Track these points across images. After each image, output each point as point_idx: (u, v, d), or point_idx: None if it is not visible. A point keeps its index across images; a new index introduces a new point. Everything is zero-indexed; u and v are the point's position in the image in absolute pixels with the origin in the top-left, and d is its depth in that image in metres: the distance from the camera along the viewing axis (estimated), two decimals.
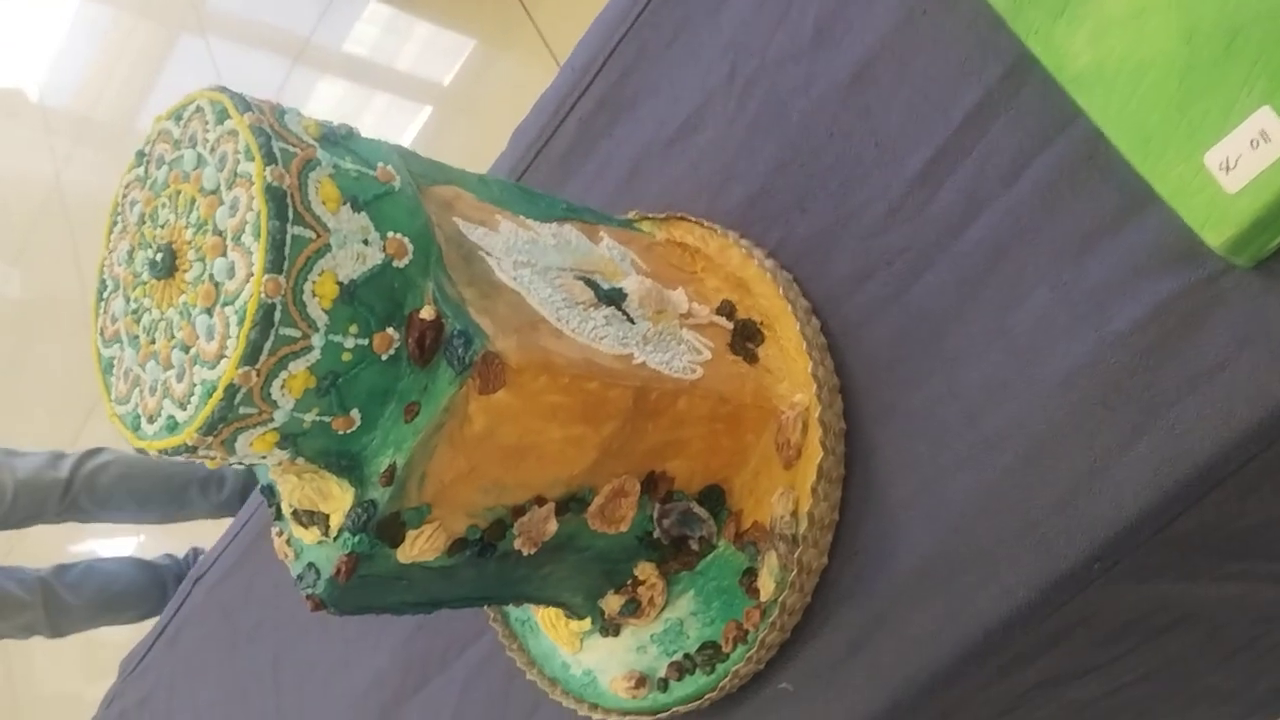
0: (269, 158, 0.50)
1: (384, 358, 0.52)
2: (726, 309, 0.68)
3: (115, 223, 0.58)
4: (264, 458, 0.54)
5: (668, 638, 0.68)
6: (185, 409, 0.51)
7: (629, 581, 0.68)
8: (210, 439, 0.50)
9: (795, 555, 0.62)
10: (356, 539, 0.55)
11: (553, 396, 0.55)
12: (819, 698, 0.62)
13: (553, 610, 0.72)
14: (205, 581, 1.01)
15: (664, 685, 0.67)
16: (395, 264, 0.52)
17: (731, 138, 0.73)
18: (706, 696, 0.65)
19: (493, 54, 2.22)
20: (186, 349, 0.51)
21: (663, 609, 0.68)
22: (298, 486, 0.56)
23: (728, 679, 0.64)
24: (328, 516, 0.56)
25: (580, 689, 0.71)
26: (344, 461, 0.55)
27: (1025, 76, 0.59)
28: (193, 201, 0.53)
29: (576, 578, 0.67)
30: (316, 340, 0.50)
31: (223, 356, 0.49)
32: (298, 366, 0.50)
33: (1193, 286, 0.52)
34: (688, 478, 0.64)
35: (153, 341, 0.53)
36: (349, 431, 0.54)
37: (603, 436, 0.59)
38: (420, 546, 0.57)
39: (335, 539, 0.56)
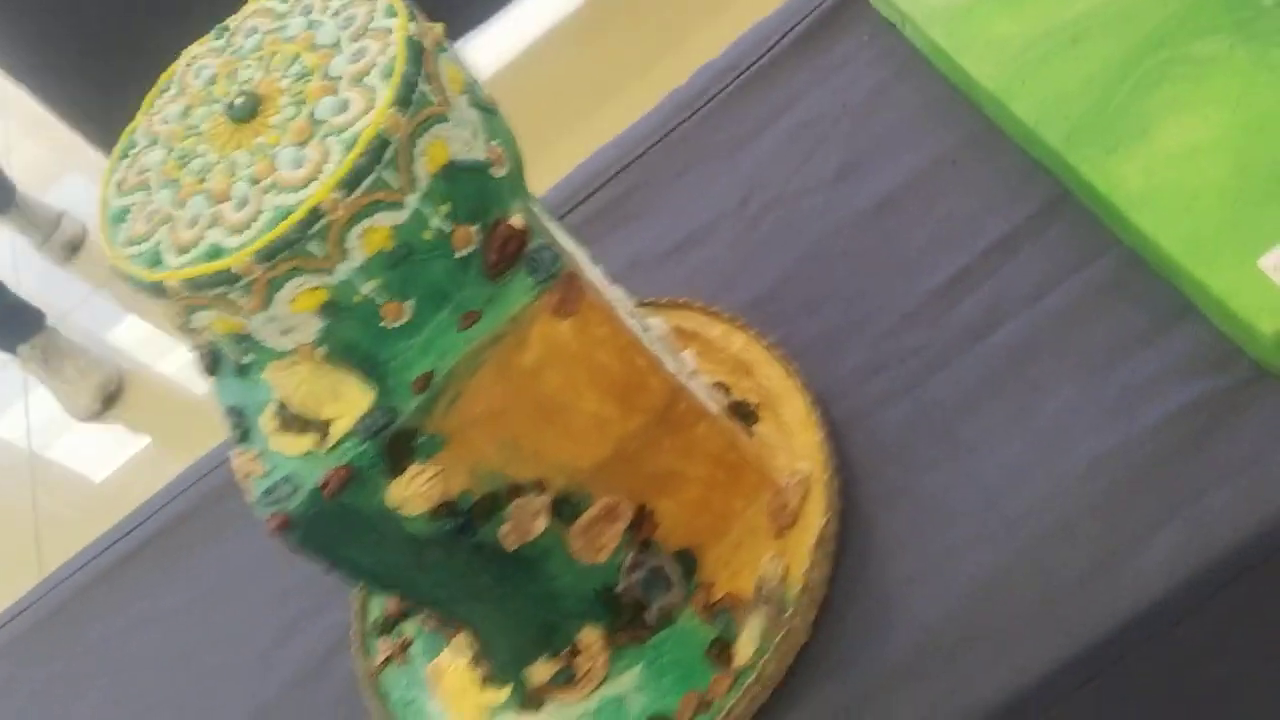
0: (412, 18, 0.48)
1: (458, 256, 0.49)
2: (721, 389, 0.67)
3: (164, 90, 0.54)
4: (285, 332, 0.48)
5: (602, 716, 0.61)
6: (241, 234, 0.45)
7: (567, 649, 0.62)
8: (260, 270, 0.45)
9: (783, 617, 0.58)
10: (363, 447, 0.48)
11: (605, 355, 0.52)
12: None
13: (463, 676, 0.64)
14: None
15: None
16: (493, 170, 0.50)
17: (737, 251, 0.74)
18: None
19: None
20: (257, 181, 0.46)
21: (600, 685, 0.61)
22: (308, 379, 0.49)
23: None
24: (328, 424, 0.49)
25: None
26: (367, 367, 0.49)
27: (1055, 216, 0.64)
28: (295, 57, 0.50)
29: (520, 622, 0.60)
30: (411, 201, 0.47)
31: (314, 180, 0.45)
32: (383, 221, 0.46)
33: (1226, 390, 0.55)
34: (669, 530, 0.60)
35: (202, 181, 0.48)
36: (394, 325, 0.49)
37: (626, 430, 0.55)
38: (415, 487, 0.50)
39: (332, 449, 0.49)
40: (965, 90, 0.70)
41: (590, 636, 0.62)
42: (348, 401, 0.49)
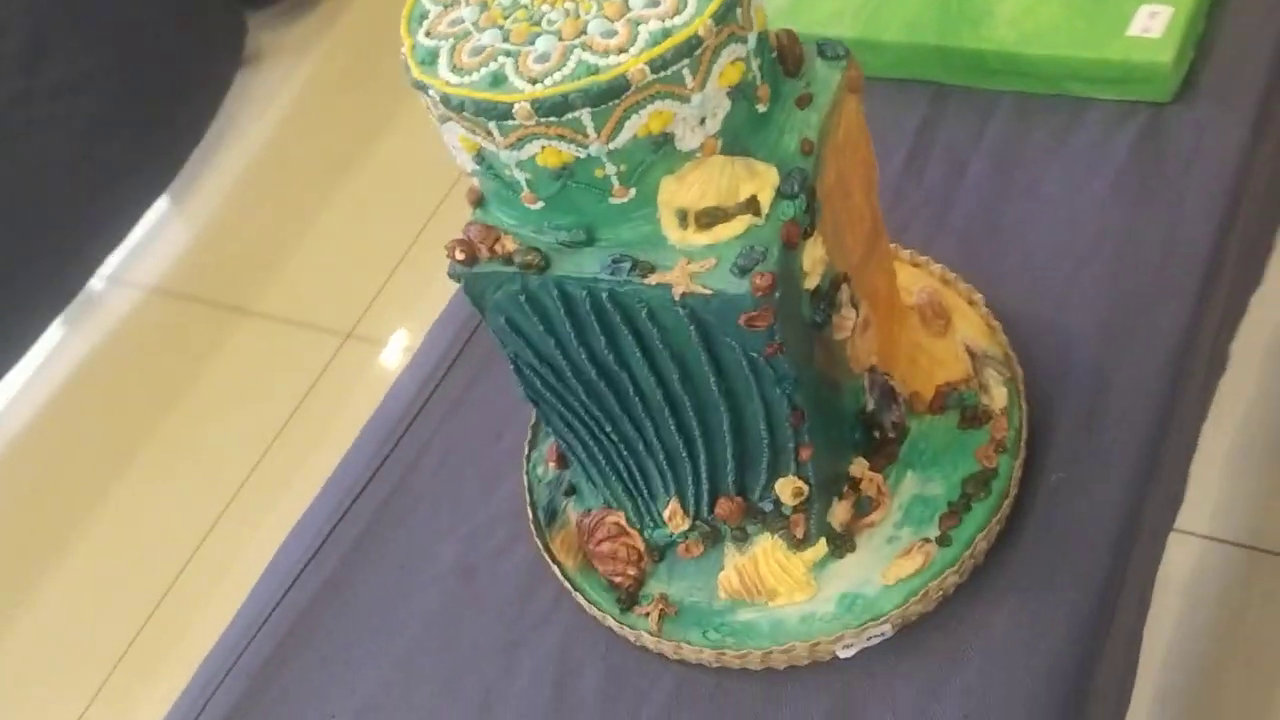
0: None
1: (772, 55, 0.57)
2: None
3: None
4: (702, 121, 0.52)
5: (913, 515, 0.66)
6: (676, 16, 0.50)
7: (845, 487, 0.66)
8: (714, 33, 0.50)
9: (1011, 364, 0.69)
10: (796, 201, 0.54)
11: (864, 143, 0.62)
12: (1090, 471, 0.65)
13: (771, 560, 0.65)
14: None
15: (945, 539, 0.64)
16: None
17: None
18: (995, 519, 0.63)
19: None
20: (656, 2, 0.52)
21: (891, 500, 0.66)
22: (723, 167, 0.53)
23: (1010, 487, 0.64)
24: (751, 201, 0.54)
25: (838, 621, 0.63)
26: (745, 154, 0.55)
27: (945, 102, 0.86)
28: None
29: (830, 455, 0.63)
30: None
31: None
32: (756, 2, 0.54)
33: (1148, 123, 0.79)
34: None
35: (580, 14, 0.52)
36: (761, 110, 0.55)
37: (868, 228, 0.64)
38: (816, 252, 0.56)
39: (770, 213, 0.53)
40: None
41: (860, 468, 0.67)
42: (762, 176, 0.54)
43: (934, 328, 0.72)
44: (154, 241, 2.09)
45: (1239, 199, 0.76)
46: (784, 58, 0.59)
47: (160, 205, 2.13)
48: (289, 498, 0.86)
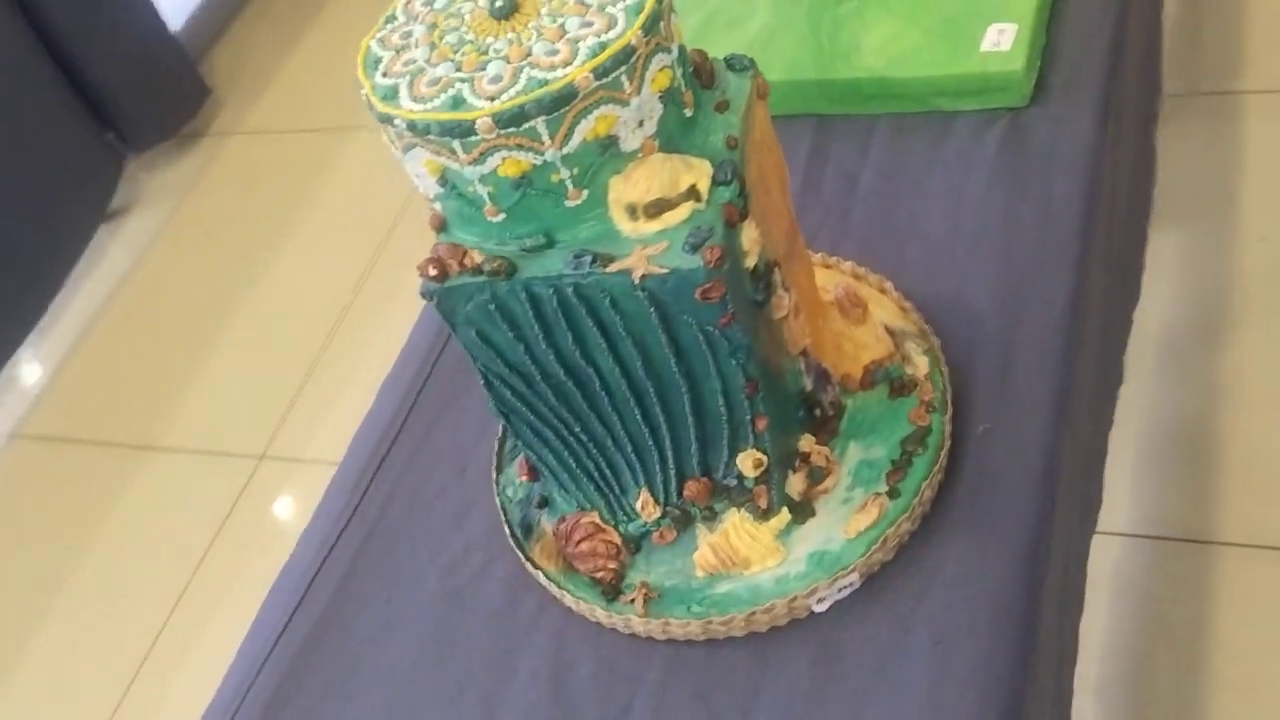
0: None
1: (690, 69, 0.65)
2: None
3: None
4: (640, 124, 0.59)
5: (862, 477, 0.72)
6: (609, 32, 0.57)
7: (797, 461, 0.72)
8: (643, 42, 0.57)
9: (927, 336, 0.76)
10: (731, 186, 0.60)
11: (775, 146, 0.70)
12: (1010, 419, 0.73)
13: (741, 532, 0.70)
14: None
15: (894, 492, 0.70)
16: None
17: None
18: (936, 469, 0.70)
19: None
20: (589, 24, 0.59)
21: (839, 467, 0.72)
22: (663, 162, 0.60)
23: (944, 440, 0.71)
24: (691, 190, 0.60)
25: (809, 577, 0.68)
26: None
27: (830, 129, 0.95)
28: None
29: (781, 433, 0.69)
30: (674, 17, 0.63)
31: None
32: (673, 19, 0.61)
33: (1009, 125, 0.89)
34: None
35: (517, 41, 0.59)
36: (688, 114, 0.62)
37: (787, 224, 0.71)
38: (751, 233, 0.63)
39: (710, 198, 0.60)
40: None
41: (807, 443, 0.73)
42: (698, 168, 0.61)
43: (853, 316, 0.80)
44: (51, 391, 2.08)
45: (1097, 177, 0.85)
46: (699, 72, 0.66)
47: (53, 353, 2.13)
48: (219, 622, 0.85)
